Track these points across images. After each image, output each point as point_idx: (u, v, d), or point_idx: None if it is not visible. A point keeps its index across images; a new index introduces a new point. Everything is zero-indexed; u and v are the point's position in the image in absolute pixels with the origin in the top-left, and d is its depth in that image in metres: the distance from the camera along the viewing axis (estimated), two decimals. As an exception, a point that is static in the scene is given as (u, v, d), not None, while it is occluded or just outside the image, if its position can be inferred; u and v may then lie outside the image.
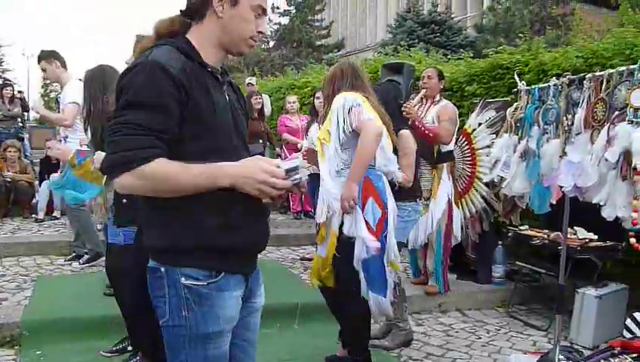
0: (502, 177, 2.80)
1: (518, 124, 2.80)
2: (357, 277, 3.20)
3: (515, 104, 2.98)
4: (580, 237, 4.45)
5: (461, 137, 5.15)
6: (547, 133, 2.51)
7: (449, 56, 11.26)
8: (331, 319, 3.74)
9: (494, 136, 4.96)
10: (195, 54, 1.60)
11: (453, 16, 20.08)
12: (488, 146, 4.96)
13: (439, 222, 4.75)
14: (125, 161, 1.48)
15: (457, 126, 4.88)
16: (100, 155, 2.89)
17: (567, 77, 2.45)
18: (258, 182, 1.54)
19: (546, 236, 4.66)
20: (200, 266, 1.59)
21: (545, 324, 4.58)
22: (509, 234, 4.96)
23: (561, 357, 2.70)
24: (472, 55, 8.74)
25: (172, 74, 1.50)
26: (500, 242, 5.25)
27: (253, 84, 10.04)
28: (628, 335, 2.63)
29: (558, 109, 2.41)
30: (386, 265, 3.21)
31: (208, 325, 1.61)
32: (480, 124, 5.06)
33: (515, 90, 3.41)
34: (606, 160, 1.98)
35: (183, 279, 1.58)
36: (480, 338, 4.31)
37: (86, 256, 5.56)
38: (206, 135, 1.56)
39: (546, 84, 2.71)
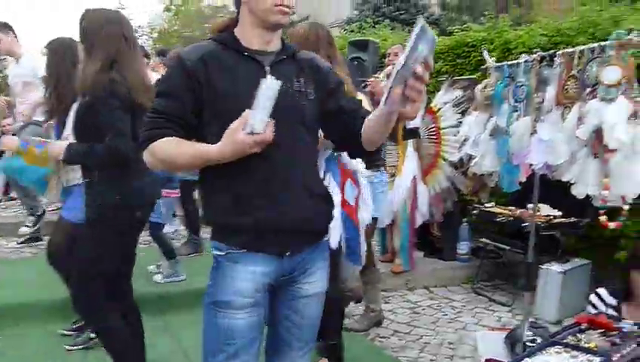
0: (471, 155, 2.77)
1: (488, 102, 2.76)
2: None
3: (485, 81, 2.94)
4: (544, 214, 4.49)
5: (427, 115, 5.13)
6: (517, 110, 2.48)
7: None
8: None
9: (460, 115, 4.97)
10: (232, 42, 1.74)
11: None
12: (454, 126, 4.96)
13: (405, 200, 4.74)
14: (141, 140, 1.72)
15: (424, 104, 4.85)
16: (57, 144, 2.78)
17: (538, 53, 2.42)
18: (239, 138, 1.54)
19: (510, 213, 4.70)
20: (219, 240, 1.75)
21: (509, 300, 4.64)
22: (474, 211, 4.99)
23: (528, 333, 2.73)
24: (437, 33, 8.73)
25: (186, 65, 1.68)
26: (465, 219, 5.28)
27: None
28: (592, 310, 2.65)
29: (528, 87, 2.38)
30: (361, 237, 3.17)
31: (218, 293, 1.74)
32: (446, 103, 5.04)
33: (484, 67, 3.38)
34: (577, 137, 1.96)
35: (212, 249, 1.78)
36: (446, 314, 4.34)
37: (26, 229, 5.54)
38: (224, 116, 1.61)
39: (515, 61, 2.68)
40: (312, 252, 1.82)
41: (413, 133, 4.78)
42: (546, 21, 5.98)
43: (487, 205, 5.03)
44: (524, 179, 2.64)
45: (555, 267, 4.28)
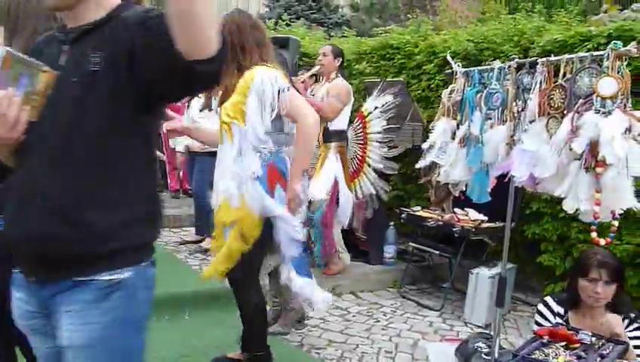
0: (436, 163, 2.68)
1: (456, 108, 2.68)
2: (256, 264, 2.97)
3: (451, 87, 2.86)
4: (473, 219, 4.53)
5: (357, 119, 5.05)
6: (491, 118, 2.41)
7: (332, 34, 11.21)
8: (227, 308, 3.49)
9: (385, 123, 4.94)
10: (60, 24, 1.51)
11: (329, -7, 20.12)
12: (379, 132, 4.93)
13: (320, 202, 4.62)
14: None
15: (349, 105, 4.75)
16: None
17: (515, 60, 2.36)
18: None
19: (439, 217, 4.70)
20: None
21: (437, 304, 4.64)
22: (402, 215, 4.95)
23: (481, 345, 2.68)
24: (355, 34, 8.70)
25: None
26: (391, 223, 5.24)
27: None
28: (541, 320, 2.63)
29: (503, 94, 2.32)
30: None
31: None
32: (376, 108, 4.99)
33: (448, 71, 3.28)
34: (570, 149, 1.89)
35: None
36: (378, 321, 4.26)
37: None
38: None
39: (487, 67, 2.62)
40: (69, 291, 1.40)
41: (335, 136, 4.69)
42: (447, 28, 6.08)
43: (414, 208, 5.02)
44: (489, 189, 2.57)
45: (485, 271, 4.31)
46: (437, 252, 4.73)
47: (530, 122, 2.18)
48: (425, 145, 2.81)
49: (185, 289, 4.22)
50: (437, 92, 5.48)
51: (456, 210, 4.79)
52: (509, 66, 2.39)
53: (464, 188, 2.75)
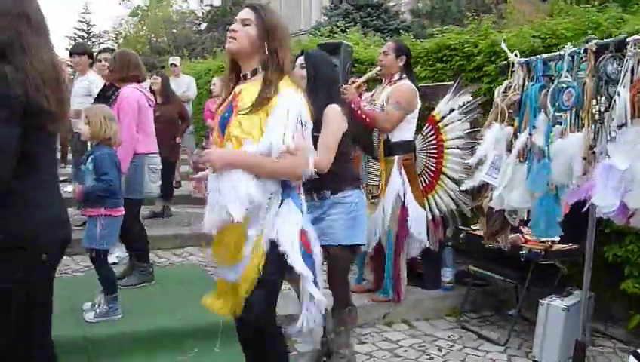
0: (488, 184, 2.15)
1: (512, 110, 2.15)
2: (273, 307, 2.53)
3: (506, 82, 2.32)
4: (542, 240, 3.93)
5: (427, 125, 4.52)
6: (561, 123, 1.87)
7: (387, 39, 10.70)
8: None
9: (468, 125, 4.39)
10: None
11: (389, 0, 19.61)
12: (459, 137, 4.38)
13: (389, 224, 4.16)
14: None
15: (415, 111, 4.25)
16: None
17: (594, 41, 1.82)
18: None
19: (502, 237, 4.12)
20: None
21: (501, 338, 4.06)
22: (461, 234, 4.40)
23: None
24: (411, 37, 8.19)
25: None
26: (449, 243, 4.70)
27: (176, 65, 9.16)
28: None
29: (578, 89, 1.77)
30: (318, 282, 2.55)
31: None
32: (452, 110, 4.45)
33: (503, 63, 2.74)
34: None
35: None
36: (432, 358, 3.73)
37: None
38: None
39: (555, 53, 2.08)
40: None
41: (398, 148, 4.19)
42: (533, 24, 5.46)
43: (474, 227, 4.45)
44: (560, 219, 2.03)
45: (557, 302, 3.71)
46: (501, 277, 4.14)
47: (619, 127, 1.61)
48: (472, 160, 2.27)
49: (215, 319, 3.83)
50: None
51: (523, 229, 4.21)
52: (586, 50, 1.83)
53: (525, 218, 2.20)
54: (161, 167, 4.76)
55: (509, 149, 2.13)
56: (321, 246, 3.22)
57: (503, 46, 2.49)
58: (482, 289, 4.74)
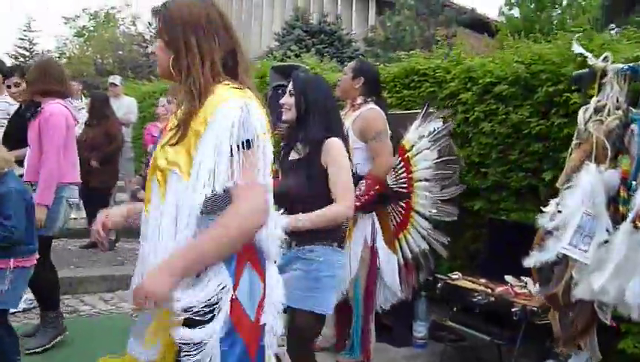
0: (567, 257, 1.53)
1: (610, 143, 1.53)
2: None
3: (594, 100, 1.73)
4: (534, 293, 3.39)
5: (396, 157, 3.97)
6: None
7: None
8: None
9: (436, 154, 3.90)
10: None
11: (342, 28, 19.31)
12: (428, 168, 3.88)
13: (358, 275, 3.55)
14: None
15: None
16: None
17: None
18: None
19: (487, 289, 3.56)
20: None
21: (486, 406, 3.48)
22: (438, 284, 3.82)
23: None
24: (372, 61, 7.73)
25: None
26: (422, 292, 4.11)
27: (116, 84, 8.39)
28: None
29: None
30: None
31: None
32: (422, 137, 3.93)
33: (580, 72, 2.10)
34: None
35: None
36: None
37: None
38: None
39: None
40: None
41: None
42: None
43: (452, 276, 3.88)
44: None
45: (557, 370, 3.15)
46: (487, 337, 3.56)
47: None
48: (550, 224, 1.64)
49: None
50: (477, 126, 4.42)
51: (507, 277, 3.67)
52: None
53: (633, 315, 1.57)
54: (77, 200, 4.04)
55: (609, 206, 1.50)
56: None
57: (578, 48, 1.94)
58: (459, 345, 4.15)
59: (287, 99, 2.88)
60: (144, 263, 1.79)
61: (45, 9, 46.57)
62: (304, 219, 2.67)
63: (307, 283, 2.72)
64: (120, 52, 30.56)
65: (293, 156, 2.87)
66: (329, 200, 2.76)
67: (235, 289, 1.67)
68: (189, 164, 1.66)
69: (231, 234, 1.63)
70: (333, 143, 2.77)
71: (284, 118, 2.92)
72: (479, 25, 19.44)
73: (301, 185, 2.71)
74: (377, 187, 3.60)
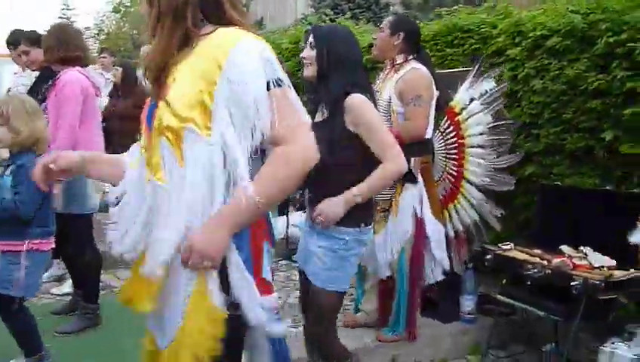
0: None
1: None
2: None
3: None
4: (596, 265, 3.09)
5: (445, 120, 3.67)
6: None
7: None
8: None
9: (490, 118, 3.60)
10: None
11: (379, -9, 18.76)
12: (481, 133, 3.57)
13: (403, 247, 3.30)
14: None
15: (432, 102, 3.39)
16: None
17: None
18: None
19: (543, 261, 3.27)
20: None
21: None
22: (488, 256, 3.54)
23: None
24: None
25: None
26: (469, 265, 3.84)
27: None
28: None
29: None
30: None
31: None
32: (472, 100, 3.62)
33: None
34: None
35: None
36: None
37: None
38: None
39: None
40: None
41: (415, 150, 3.30)
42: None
43: (503, 246, 3.59)
44: None
45: (624, 351, 2.87)
46: (541, 313, 3.28)
47: None
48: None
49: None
50: (527, 84, 4.07)
51: (564, 248, 3.37)
52: None
53: None
54: None
55: None
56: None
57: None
58: (509, 319, 3.88)
59: (308, 52, 2.60)
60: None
61: (82, -14, 46.81)
62: (359, 194, 2.43)
63: (332, 261, 2.53)
64: (156, 26, 30.61)
65: (318, 118, 2.61)
66: (360, 169, 2.51)
67: None
68: (207, 117, 1.44)
69: (285, 180, 1.48)
70: (355, 99, 2.49)
71: (305, 73, 2.64)
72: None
73: (323, 152, 2.41)
74: None
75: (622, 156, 3.59)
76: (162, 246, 1.49)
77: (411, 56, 3.41)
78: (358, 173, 2.49)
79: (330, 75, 2.51)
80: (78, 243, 3.55)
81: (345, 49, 2.56)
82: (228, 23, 1.54)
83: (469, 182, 3.61)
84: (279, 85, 1.46)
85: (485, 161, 3.59)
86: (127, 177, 1.70)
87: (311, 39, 2.60)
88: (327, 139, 2.35)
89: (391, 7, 17.92)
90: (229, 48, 1.44)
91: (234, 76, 1.43)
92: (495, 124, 3.61)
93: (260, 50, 1.47)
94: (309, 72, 2.60)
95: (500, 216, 3.66)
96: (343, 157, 2.45)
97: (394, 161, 2.49)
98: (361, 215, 2.54)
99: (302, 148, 1.47)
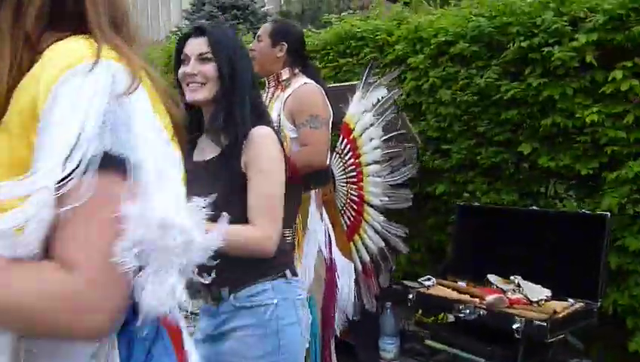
0: None
1: None
2: None
3: None
4: (533, 299, 2.72)
5: (341, 139, 3.15)
6: None
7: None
8: None
9: (381, 131, 3.13)
10: None
11: (255, 1, 18.28)
12: (376, 148, 3.09)
13: (311, 290, 2.74)
14: None
15: (331, 120, 2.86)
16: None
17: None
18: None
19: (474, 298, 2.85)
20: None
21: None
22: (409, 296, 3.08)
23: None
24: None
25: None
26: (387, 304, 3.38)
27: None
28: None
29: None
30: None
31: None
32: (365, 112, 3.12)
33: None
34: None
35: None
36: None
37: None
38: None
39: None
40: None
41: (315, 178, 2.74)
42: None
43: (425, 282, 3.14)
44: None
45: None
46: (478, 359, 2.85)
47: None
48: None
49: None
50: (433, 95, 3.70)
51: (492, 278, 3.00)
52: None
53: None
54: None
55: None
56: None
57: None
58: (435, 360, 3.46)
59: (201, 67, 1.82)
60: None
61: None
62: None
63: (264, 344, 1.79)
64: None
65: (202, 155, 1.99)
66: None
67: None
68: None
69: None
70: (261, 134, 1.79)
71: (194, 96, 1.84)
72: (397, -9, 18.95)
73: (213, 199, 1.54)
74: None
75: (539, 170, 3.31)
76: None
77: (297, 70, 2.86)
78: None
79: (235, 97, 1.85)
80: None
81: (248, 69, 1.92)
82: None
83: (369, 205, 3.13)
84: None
85: (381, 179, 3.14)
86: None
87: (205, 48, 1.81)
88: (218, 183, 1.73)
89: (268, 18, 17.60)
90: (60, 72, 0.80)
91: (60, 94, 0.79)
92: (388, 135, 3.17)
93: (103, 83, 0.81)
94: (202, 93, 1.88)
95: (404, 235, 3.23)
96: (236, 209, 1.78)
97: (264, 232, 1.75)
98: (280, 260, 1.91)
99: None
